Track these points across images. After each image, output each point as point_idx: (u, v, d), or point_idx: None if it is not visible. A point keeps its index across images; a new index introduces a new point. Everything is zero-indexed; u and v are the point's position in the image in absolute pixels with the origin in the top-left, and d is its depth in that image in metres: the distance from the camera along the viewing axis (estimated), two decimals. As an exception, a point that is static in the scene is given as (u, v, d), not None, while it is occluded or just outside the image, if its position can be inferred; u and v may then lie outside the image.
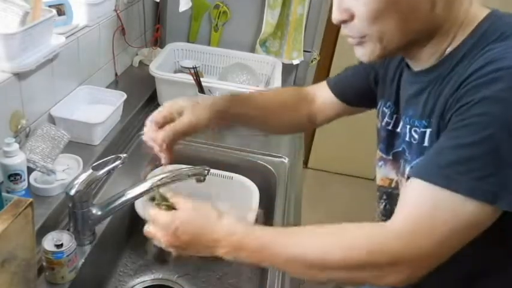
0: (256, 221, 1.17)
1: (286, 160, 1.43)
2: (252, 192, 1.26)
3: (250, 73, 1.74)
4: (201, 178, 1.05)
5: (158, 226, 0.72)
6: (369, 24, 0.67)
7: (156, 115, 0.87)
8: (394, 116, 0.84)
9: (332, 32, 2.42)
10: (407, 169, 0.78)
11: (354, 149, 2.88)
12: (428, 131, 0.71)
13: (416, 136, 0.75)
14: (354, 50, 0.73)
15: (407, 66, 0.79)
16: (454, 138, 0.62)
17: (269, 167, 1.39)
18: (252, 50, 1.87)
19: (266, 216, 1.35)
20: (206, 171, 1.05)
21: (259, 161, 1.41)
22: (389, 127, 0.85)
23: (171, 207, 0.75)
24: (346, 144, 2.94)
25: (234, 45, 1.85)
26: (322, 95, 1.01)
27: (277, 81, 1.62)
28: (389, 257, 0.62)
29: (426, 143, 0.72)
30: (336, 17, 0.70)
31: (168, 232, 0.71)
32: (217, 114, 0.90)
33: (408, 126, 0.77)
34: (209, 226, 0.70)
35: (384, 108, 0.87)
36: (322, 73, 2.72)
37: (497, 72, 0.60)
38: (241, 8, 1.84)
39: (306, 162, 3.09)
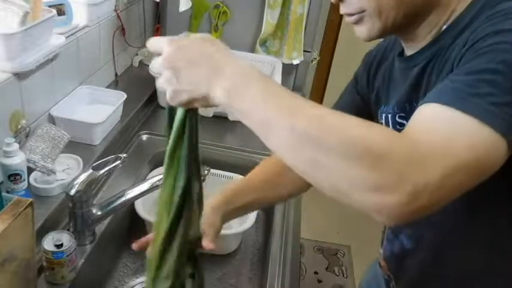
0: (256, 221, 1.17)
1: (286, 160, 1.42)
2: (252, 192, 1.25)
3: (250, 73, 1.74)
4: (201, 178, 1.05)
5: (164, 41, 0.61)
6: None
7: None
8: (383, 115, 0.82)
9: (332, 32, 2.43)
10: None
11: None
12: None
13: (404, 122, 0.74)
14: (354, 29, 0.72)
15: (401, 54, 0.77)
16: (469, 67, 0.56)
17: (269, 167, 1.39)
18: (252, 50, 1.87)
19: (266, 216, 1.35)
20: (206, 171, 1.05)
21: (259, 161, 1.41)
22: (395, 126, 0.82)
23: None
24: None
25: (234, 45, 1.83)
26: None
27: (277, 81, 1.62)
28: (400, 161, 0.49)
29: None
30: None
31: (172, 43, 0.59)
32: (222, 217, 0.84)
33: (390, 115, 0.75)
34: (219, 51, 0.59)
35: (380, 112, 0.84)
36: (322, 73, 2.72)
37: None
38: (241, 8, 1.84)
39: (306, 162, 3.09)
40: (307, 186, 0.94)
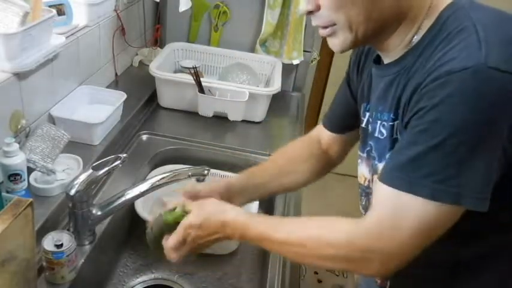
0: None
1: (286, 160, 1.42)
2: (252, 192, 1.25)
3: (250, 73, 1.74)
4: (201, 178, 1.06)
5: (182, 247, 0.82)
6: (335, 12, 0.68)
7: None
8: (367, 114, 0.84)
9: (332, 32, 2.42)
10: (379, 166, 0.79)
11: (354, 149, 2.87)
12: (396, 123, 0.73)
13: (384, 131, 0.76)
14: (328, 42, 0.74)
15: (377, 62, 0.80)
16: (413, 143, 0.64)
17: (269, 167, 1.39)
18: (252, 50, 1.87)
19: (266, 216, 1.35)
20: (206, 171, 1.05)
21: (259, 161, 1.41)
22: (363, 124, 0.86)
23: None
24: (346, 144, 2.93)
25: (234, 45, 1.85)
26: (324, 134, 1.03)
27: (277, 81, 1.63)
28: (359, 252, 0.67)
29: (395, 135, 0.74)
30: (303, 7, 0.72)
31: (190, 239, 0.80)
32: (234, 194, 0.96)
33: (379, 122, 0.78)
34: (218, 220, 0.79)
35: (362, 108, 0.87)
36: (322, 73, 2.72)
37: (448, 76, 0.61)
38: (241, 8, 1.84)
39: (306, 162, 3.08)
40: (325, 166, 1.04)
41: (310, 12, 0.71)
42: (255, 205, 1.20)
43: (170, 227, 0.83)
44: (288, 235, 0.74)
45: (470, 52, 0.60)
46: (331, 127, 1.01)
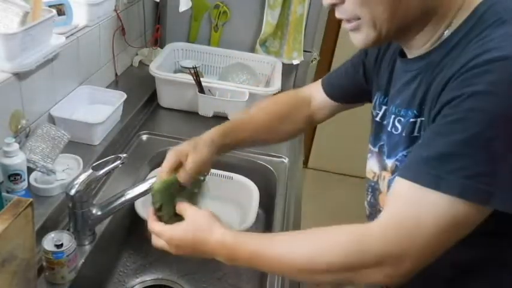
0: (256, 221, 1.17)
1: (286, 160, 1.43)
2: (252, 192, 1.26)
3: (250, 73, 1.74)
4: (201, 178, 1.05)
5: (162, 241, 0.78)
6: (359, 7, 0.67)
7: (165, 164, 0.86)
8: (383, 107, 0.83)
9: (332, 32, 2.42)
10: (388, 163, 0.78)
11: (354, 149, 2.87)
12: (419, 120, 0.70)
13: (399, 126, 0.75)
14: (350, 36, 0.72)
15: (401, 54, 0.78)
16: (444, 135, 0.60)
17: (269, 167, 1.39)
18: (252, 50, 1.87)
19: (266, 216, 1.35)
20: (206, 172, 1.05)
21: (259, 161, 1.41)
22: (378, 118, 0.84)
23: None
24: (346, 144, 2.94)
25: (234, 45, 1.85)
26: (318, 96, 1.02)
27: (277, 81, 1.63)
28: (373, 257, 0.61)
29: (416, 133, 0.71)
30: (327, 0, 0.70)
31: (171, 247, 0.77)
32: (217, 149, 0.91)
33: (393, 116, 0.76)
34: (202, 240, 0.74)
35: (378, 100, 0.86)
36: (322, 73, 2.70)
37: (489, 64, 0.58)
38: (241, 8, 1.84)
39: (306, 162, 3.09)
40: (307, 127, 1.05)
41: (334, 5, 0.70)
42: (254, 204, 1.20)
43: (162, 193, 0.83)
44: (289, 248, 0.68)
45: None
46: (331, 93, 1.00)
